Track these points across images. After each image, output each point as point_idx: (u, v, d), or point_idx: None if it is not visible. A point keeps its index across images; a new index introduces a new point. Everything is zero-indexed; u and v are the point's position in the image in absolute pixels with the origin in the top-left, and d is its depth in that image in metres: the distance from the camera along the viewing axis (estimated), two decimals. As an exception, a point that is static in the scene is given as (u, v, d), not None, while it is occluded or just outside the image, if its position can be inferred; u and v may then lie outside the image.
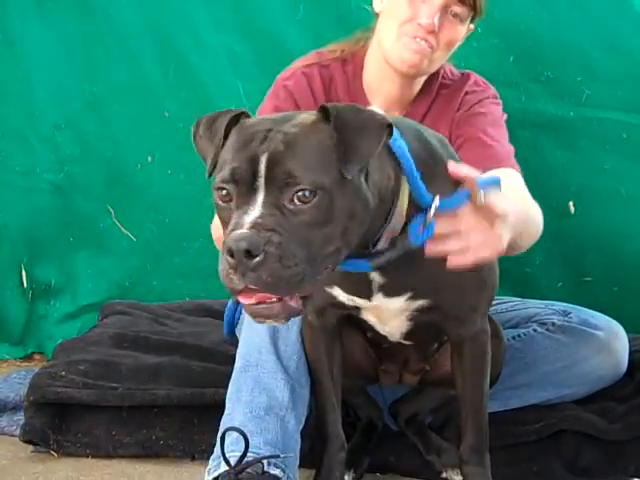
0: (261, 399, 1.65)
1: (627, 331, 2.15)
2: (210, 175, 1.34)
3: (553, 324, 2.06)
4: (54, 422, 1.92)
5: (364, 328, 1.74)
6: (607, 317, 2.09)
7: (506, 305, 2.20)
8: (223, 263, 1.22)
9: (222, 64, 2.69)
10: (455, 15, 1.97)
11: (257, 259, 1.19)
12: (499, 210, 1.37)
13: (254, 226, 1.21)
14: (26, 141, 2.73)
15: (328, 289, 1.59)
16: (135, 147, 2.74)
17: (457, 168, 1.41)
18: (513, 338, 2.06)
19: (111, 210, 2.76)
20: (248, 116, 1.37)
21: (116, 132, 2.73)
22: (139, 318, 2.52)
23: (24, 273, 2.76)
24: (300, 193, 1.24)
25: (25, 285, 2.76)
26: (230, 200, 1.28)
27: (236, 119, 1.35)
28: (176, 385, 2.02)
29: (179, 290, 2.80)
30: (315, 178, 1.25)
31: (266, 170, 1.24)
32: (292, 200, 1.24)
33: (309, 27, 2.65)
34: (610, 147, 2.57)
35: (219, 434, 1.60)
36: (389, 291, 1.53)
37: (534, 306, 2.18)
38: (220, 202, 1.29)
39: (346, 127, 1.28)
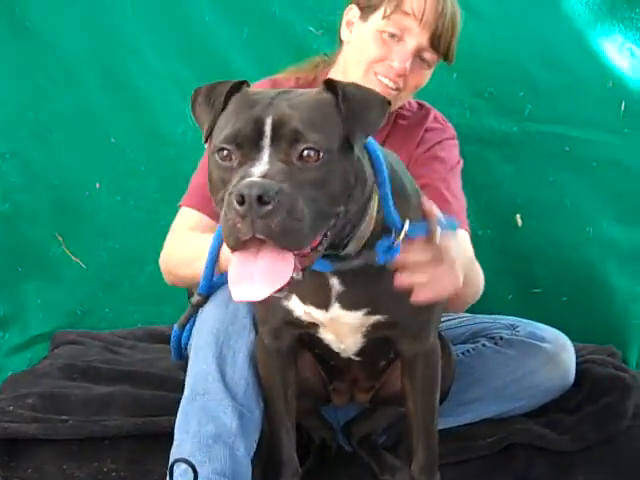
0: (209, 428, 1.63)
1: (576, 340, 2.19)
2: (206, 140, 1.37)
3: (501, 338, 2.08)
4: (3, 459, 1.87)
5: (314, 345, 1.73)
6: (554, 329, 2.11)
7: (456, 321, 2.22)
8: (229, 213, 1.22)
9: (168, 88, 2.69)
10: (424, 60, 2.00)
11: (268, 207, 1.20)
12: (452, 253, 1.45)
13: (265, 176, 1.23)
14: (-30, 172, 2.69)
15: (285, 302, 1.58)
16: (82, 174, 2.72)
17: (429, 204, 1.49)
18: (463, 354, 2.08)
19: (60, 238, 2.73)
20: (248, 85, 1.41)
21: (63, 160, 2.71)
22: (90, 347, 2.49)
23: (-28, 305, 2.71)
24: (307, 152, 1.29)
25: (-27, 317, 2.72)
26: (230, 160, 1.30)
27: (237, 88, 1.39)
28: (127, 415, 1.99)
29: (131, 316, 2.78)
30: (323, 138, 1.30)
31: (272, 130, 1.28)
32: (300, 157, 1.28)
33: (254, 49, 2.67)
34: (553, 160, 2.64)
35: (169, 466, 1.58)
36: (346, 303, 1.54)
37: (483, 321, 2.20)
38: (221, 162, 1.31)
39: (352, 99, 1.36)
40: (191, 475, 1.52)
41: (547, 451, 1.94)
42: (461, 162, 2.16)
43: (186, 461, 1.53)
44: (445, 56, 2.02)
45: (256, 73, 2.43)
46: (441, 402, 1.77)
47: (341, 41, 2.11)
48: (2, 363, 2.69)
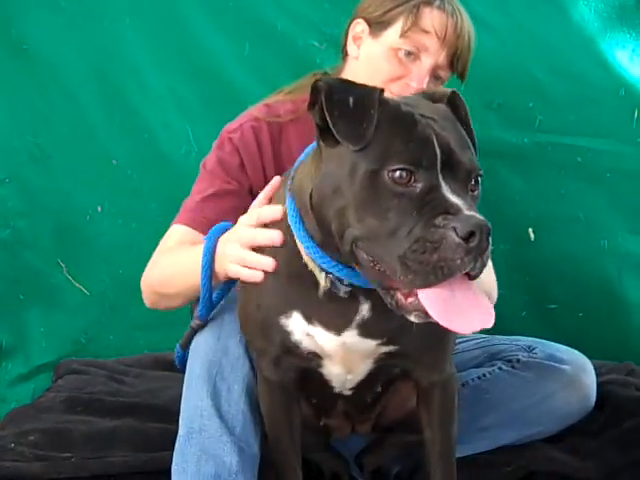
0: (208, 467, 1.56)
1: (594, 357, 2.12)
2: (364, 147, 1.28)
3: (518, 361, 2.01)
4: (5, 499, 1.83)
5: (309, 382, 1.64)
6: (573, 350, 2.04)
7: (472, 342, 2.15)
8: (450, 247, 1.19)
9: (168, 108, 2.65)
10: (438, 78, 1.97)
11: (489, 244, 1.23)
12: None
13: (469, 209, 1.23)
14: (-31, 198, 2.64)
15: (284, 319, 1.50)
16: (83, 198, 2.66)
17: None
18: (479, 378, 2.01)
19: (62, 264, 2.67)
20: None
21: (63, 183, 2.66)
22: (95, 376, 2.42)
23: (-27, 335, 2.66)
24: (474, 181, 1.31)
25: (-26, 348, 2.67)
26: (408, 184, 1.25)
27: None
28: (132, 450, 1.93)
29: (137, 342, 2.71)
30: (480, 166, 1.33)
31: (442, 154, 1.26)
32: (472, 186, 1.30)
33: (255, 65, 2.62)
34: (565, 172, 2.58)
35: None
36: (366, 331, 1.48)
37: (499, 342, 2.12)
38: (395, 186, 1.25)
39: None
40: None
41: (570, 478, 1.86)
42: None
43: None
44: (461, 75, 2.01)
45: (258, 89, 2.40)
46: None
47: (345, 56, 2.05)
48: (5, 394, 2.63)
